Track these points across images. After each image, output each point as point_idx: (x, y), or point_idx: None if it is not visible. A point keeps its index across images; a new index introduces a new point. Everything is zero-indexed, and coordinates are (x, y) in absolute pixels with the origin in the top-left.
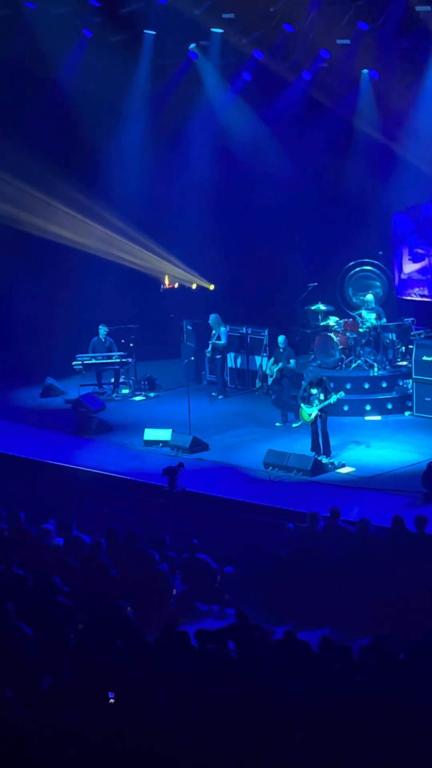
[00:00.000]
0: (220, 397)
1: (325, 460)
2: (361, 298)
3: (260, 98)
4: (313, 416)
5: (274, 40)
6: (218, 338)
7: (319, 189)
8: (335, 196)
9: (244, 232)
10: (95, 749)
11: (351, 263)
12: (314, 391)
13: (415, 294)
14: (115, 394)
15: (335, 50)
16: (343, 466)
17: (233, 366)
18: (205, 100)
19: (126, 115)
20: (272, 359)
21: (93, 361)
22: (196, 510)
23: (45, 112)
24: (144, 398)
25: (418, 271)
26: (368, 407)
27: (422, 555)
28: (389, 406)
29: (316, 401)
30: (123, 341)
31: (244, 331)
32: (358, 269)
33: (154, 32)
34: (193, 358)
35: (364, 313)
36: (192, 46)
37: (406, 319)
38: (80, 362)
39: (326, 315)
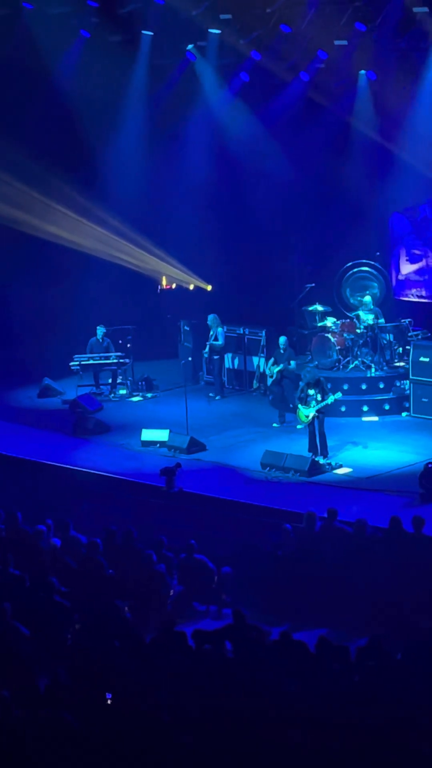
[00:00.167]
0: (217, 397)
1: (322, 461)
2: (359, 299)
3: (258, 99)
4: (310, 417)
5: (271, 40)
6: (215, 339)
7: (317, 190)
8: (333, 197)
9: (241, 233)
10: (93, 750)
11: (348, 264)
12: (311, 392)
13: (412, 295)
14: (112, 395)
15: (333, 51)
16: (341, 466)
17: (231, 366)
18: (202, 101)
19: (124, 116)
20: (272, 360)
21: (90, 361)
22: (194, 510)
23: (43, 112)
24: (141, 399)
25: (416, 272)
26: (365, 408)
27: (419, 555)
28: (386, 407)
29: (313, 402)
30: (120, 342)
31: (241, 331)
32: (355, 270)
33: (151, 33)
34: (190, 359)
35: (361, 314)
36: (190, 46)
37: (403, 320)
38: (78, 363)
39: (323, 316)
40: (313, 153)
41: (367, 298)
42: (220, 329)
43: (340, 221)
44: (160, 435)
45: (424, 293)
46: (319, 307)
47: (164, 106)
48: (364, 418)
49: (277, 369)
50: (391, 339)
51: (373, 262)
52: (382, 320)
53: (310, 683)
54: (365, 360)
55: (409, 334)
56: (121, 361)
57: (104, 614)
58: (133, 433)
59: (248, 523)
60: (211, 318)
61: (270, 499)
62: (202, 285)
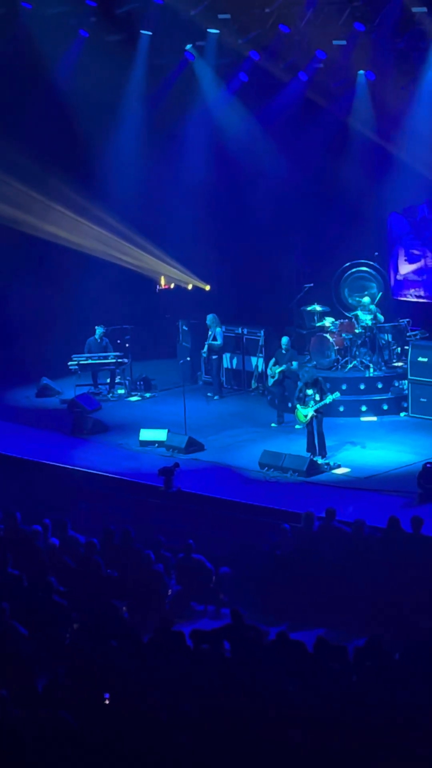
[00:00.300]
0: (215, 397)
1: (320, 461)
2: (357, 299)
3: (256, 99)
4: (308, 417)
5: (270, 40)
6: (214, 338)
7: (315, 189)
8: (331, 197)
9: (240, 233)
10: (91, 749)
11: (347, 264)
12: (310, 392)
13: (410, 295)
14: (110, 395)
15: (331, 51)
16: (339, 466)
17: (229, 366)
18: (201, 101)
19: (122, 116)
20: (273, 360)
21: (89, 361)
22: (192, 510)
23: (41, 111)
24: (140, 398)
25: (414, 272)
26: (364, 408)
27: (418, 556)
28: (385, 407)
29: (312, 402)
30: (119, 341)
31: (239, 331)
32: (353, 270)
33: (150, 32)
34: (189, 359)
35: (359, 314)
36: (188, 46)
37: (401, 320)
38: (76, 362)
39: (322, 316)
40: (312, 153)
41: (367, 300)
42: (219, 329)
43: (338, 221)
44: (159, 435)
45: (422, 293)
46: (318, 307)
47: (163, 106)
48: (363, 418)
49: (279, 369)
50: (390, 339)
51: (371, 262)
52: (382, 318)
53: (308, 683)
54: (364, 360)
55: (408, 334)
56: (119, 360)
57: (102, 614)
58: (131, 433)
59: (246, 523)
60: (210, 318)
61: (268, 499)
62: (201, 285)
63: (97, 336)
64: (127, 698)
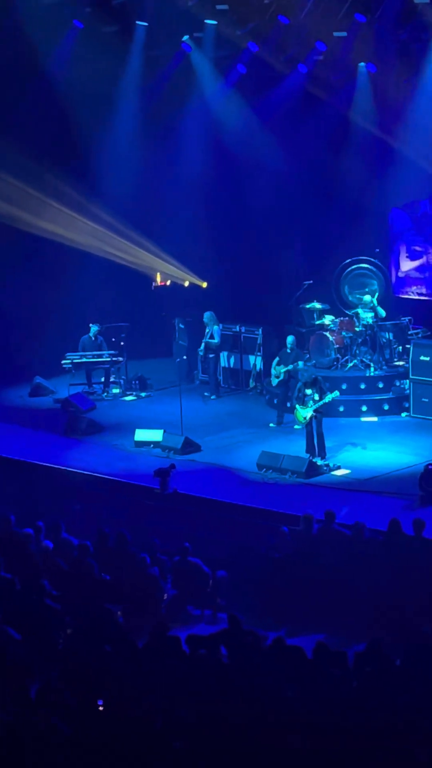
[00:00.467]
0: (212, 397)
1: (320, 462)
2: (358, 296)
3: (255, 91)
4: (308, 417)
5: (269, 32)
6: (212, 337)
7: (315, 184)
8: (331, 192)
9: (237, 229)
10: (84, 757)
11: (347, 261)
12: (309, 391)
13: (412, 292)
14: (105, 394)
15: (332, 42)
16: (339, 468)
17: (226, 365)
18: (198, 93)
19: (118, 108)
20: (276, 359)
21: (83, 359)
22: (188, 512)
23: (35, 104)
24: (135, 398)
25: (416, 269)
26: (364, 408)
27: (419, 559)
28: (386, 407)
29: (311, 402)
30: (114, 339)
31: (237, 329)
32: (354, 267)
33: (146, 23)
34: (185, 357)
35: (360, 311)
36: (185, 37)
37: (403, 318)
38: (70, 361)
39: (322, 313)
40: (311, 147)
41: (368, 298)
42: (216, 327)
43: (338, 217)
44: (154, 435)
45: (424, 291)
46: (317, 305)
47: (159, 99)
48: (363, 419)
49: (284, 369)
50: (391, 337)
51: (372, 259)
52: (382, 313)
53: (307, 689)
54: (364, 359)
55: (409, 333)
56: (114, 359)
57: (96, 618)
58: (126, 434)
59: (244, 525)
60: (207, 315)
61: (266, 501)
62: (198, 282)
63: (91, 334)
64: (122, 705)
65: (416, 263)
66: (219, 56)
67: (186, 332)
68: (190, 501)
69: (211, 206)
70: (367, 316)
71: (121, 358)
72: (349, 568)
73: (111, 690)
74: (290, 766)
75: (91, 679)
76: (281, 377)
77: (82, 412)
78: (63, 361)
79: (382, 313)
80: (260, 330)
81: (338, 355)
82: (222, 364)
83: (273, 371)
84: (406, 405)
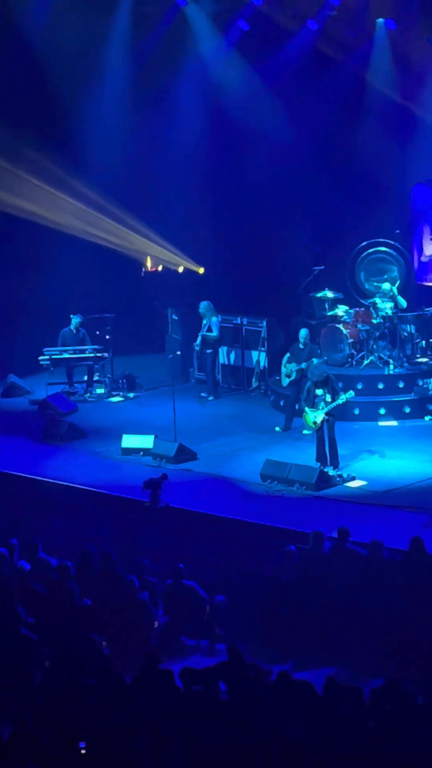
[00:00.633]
0: (210, 398)
1: (332, 472)
2: (375, 284)
3: (259, 51)
4: (318, 421)
5: None
6: (209, 330)
7: (327, 157)
8: (345, 166)
9: (239, 207)
10: None
11: (363, 244)
12: (319, 391)
13: None
14: (88, 395)
15: None
16: (353, 479)
17: (226, 362)
18: (194, 54)
19: (104, 72)
20: (287, 356)
21: (63, 355)
22: (182, 529)
23: (8, 66)
24: (122, 399)
25: None
26: (383, 411)
27: None
28: (407, 410)
29: (322, 404)
30: (98, 333)
31: (238, 321)
32: (371, 251)
33: None
34: (179, 353)
35: (378, 301)
36: None
37: (426, 309)
38: (48, 357)
39: (334, 303)
40: (323, 115)
41: (387, 286)
42: (214, 319)
43: (353, 194)
44: (144, 441)
45: None
46: (329, 294)
47: (150, 60)
48: (381, 423)
49: (296, 367)
50: (413, 331)
51: (391, 242)
52: (403, 303)
53: (317, 730)
54: (382, 355)
55: None
56: (98, 355)
57: (78, 649)
58: (112, 440)
59: (246, 544)
60: (203, 306)
61: (271, 517)
62: (194, 267)
63: (72, 326)
64: (107, 748)
65: None
66: (218, 11)
67: (180, 324)
68: (185, 516)
69: (209, 182)
70: (385, 307)
71: (106, 354)
72: (365, 593)
73: (94, 731)
74: None
75: (72, 719)
76: (293, 376)
77: (62, 415)
78: (40, 357)
79: (403, 303)
80: (264, 322)
81: (353, 351)
82: (221, 361)
83: (284, 369)
84: (430, 407)
